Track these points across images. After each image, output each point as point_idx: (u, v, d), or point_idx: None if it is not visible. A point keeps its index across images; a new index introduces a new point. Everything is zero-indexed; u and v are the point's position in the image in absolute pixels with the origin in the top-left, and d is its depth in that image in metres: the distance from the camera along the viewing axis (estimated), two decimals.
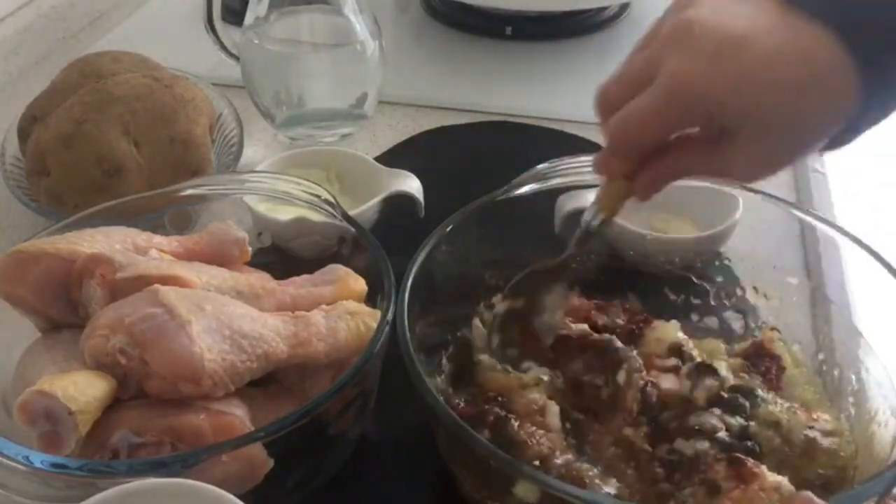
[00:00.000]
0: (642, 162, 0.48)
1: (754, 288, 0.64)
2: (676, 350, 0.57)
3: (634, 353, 0.57)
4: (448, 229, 0.59)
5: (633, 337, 0.59)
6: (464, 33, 1.08)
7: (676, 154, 0.48)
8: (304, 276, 0.58)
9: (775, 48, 0.43)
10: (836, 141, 0.46)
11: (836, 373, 0.58)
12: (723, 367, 0.56)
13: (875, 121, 0.45)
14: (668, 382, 0.55)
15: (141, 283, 0.51)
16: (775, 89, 0.43)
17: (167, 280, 0.52)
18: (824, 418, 0.54)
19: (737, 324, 0.64)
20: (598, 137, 0.86)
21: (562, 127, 0.90)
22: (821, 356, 0.59)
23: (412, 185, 0.73)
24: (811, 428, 0.53)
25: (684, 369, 0.56)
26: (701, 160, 0.48)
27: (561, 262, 0.57)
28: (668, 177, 0.49)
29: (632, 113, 0.46)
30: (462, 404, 0.54)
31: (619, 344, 0.57)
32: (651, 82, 0.45)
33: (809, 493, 0.43)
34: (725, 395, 0.54)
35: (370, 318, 0.54)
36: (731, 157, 0.46)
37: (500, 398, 0.54)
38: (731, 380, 0.55)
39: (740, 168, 0.46)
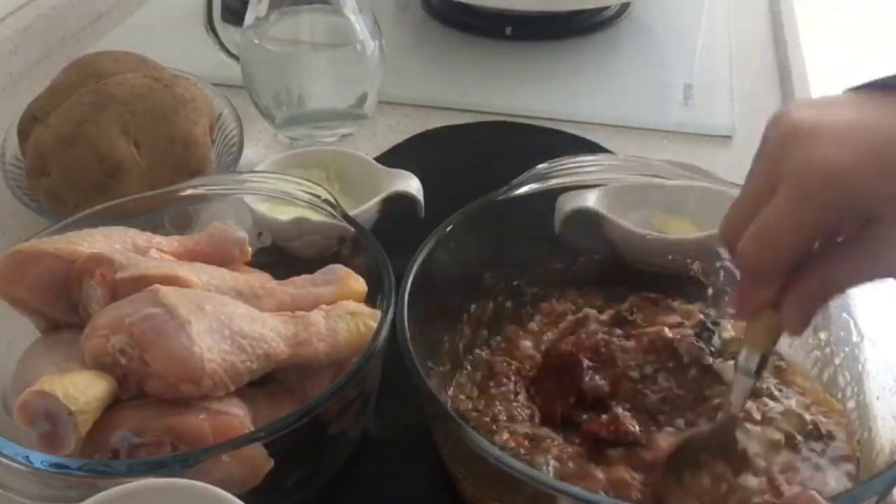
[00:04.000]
0: (785, 287, 0.44)
1: None
2: (683, 312, 0.60)
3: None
4: (448, 229, 0.59)
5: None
6: (464, 33, 1.08)
7: (822, 267, 0.43)
8: (304, 276, 0.58)
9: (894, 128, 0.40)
10: None
11: (835, 373, 0.58)
12: (727, 327, 0.58)
13: None
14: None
15: (141, 283, 0.51)
16: None
17: (167, 280, 0.52)
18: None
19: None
20: (597, 137, 0.87)
21: (562, 127, 0.90)
22: (820, 355, 0.59)
23: (412, 185, 0.73)
24: None
25: (687, 325, 0.58)
26: (852, 265, 0.42)
27: (726, 421, 0.51)
28: (817, 295, 0.44)
29: (762, 226, 0.42)
30: None
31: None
32: (774, 194, 0.42)
33: (813, 493, 0.43)
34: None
35: (370, 318, 0.54)
36: (885, 250, 0.41)
37: None
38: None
39: None
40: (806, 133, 0.41)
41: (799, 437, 0.53)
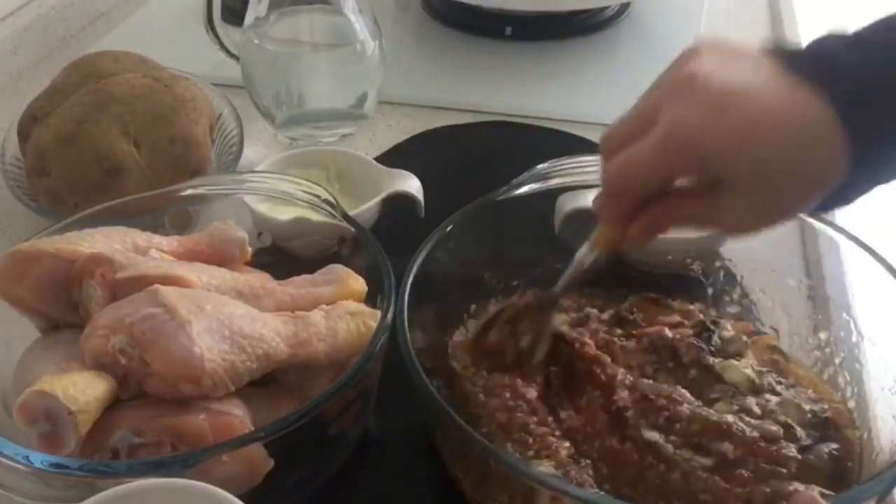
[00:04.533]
0: (639, 208, 0.49)
1: (754, 288, 0.64)
2: (683, 312, 0.61)
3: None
4: (448, 229, 0.59)
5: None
6: (464, 33, 1.08)
7: (671, 203, 0.48)
8: (304, 276, 0.58)
9: (769, 104, 0.44)
10: (832, 202, 0.47)
11: (835, 373, 0.58)
12: (727, 325, 0.58)
13: (865, 188, 0.46)
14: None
15: (141, 283, 0.51)
16: (767, 143, 0.43)
17: (167, 280, 0.52)
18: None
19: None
20: (597, 137, 0.87)
21: (562, 127, 0.90)
22: (820, 355, 0.59)
23: (412, 185, 0.73)
24: None
25: (687, 325, 0.58)
26: (694, 209, 0.48)
27: (552, 295, 0.57)
28: (660, 223, 0.50)
29: (628, 157, 0.47)
30: None
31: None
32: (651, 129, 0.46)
33: (814, 494, 0.43)
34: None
35: (370, 318, 0.54)
36: (723, 208, 0.46)
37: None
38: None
39: (731, 219, 0.47)
40: (692, 89, 0.45)
41: (797, 428, 0.53)
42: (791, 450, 0.50)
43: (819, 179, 0.45)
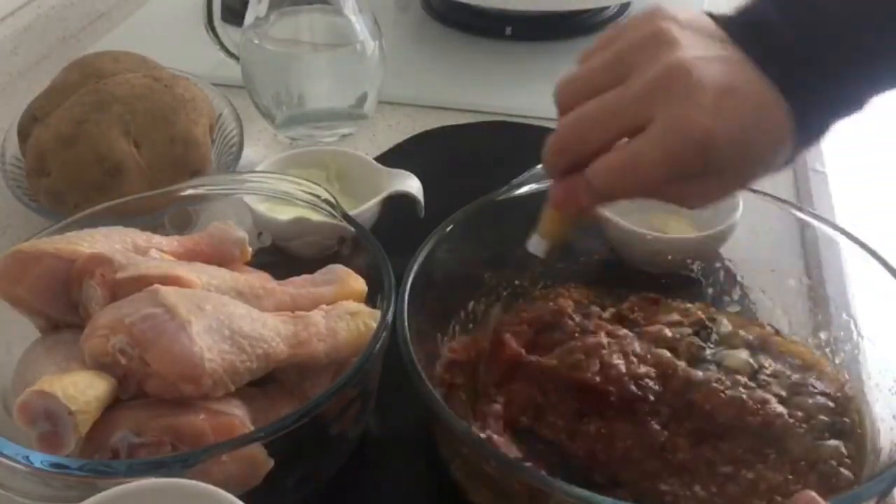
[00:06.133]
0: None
1: (754, 288, 0.64)
2: (682, 311, 0.61)
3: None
4: (448, 229, 0.59)
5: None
6: (464, 33, 1.08)
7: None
8: (304, 276, 0.58)
9: (759, 101, 0.45)
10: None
11: (835, 373, 0.58)
12: (724, 321, 0.59)
13: (811, 142, 0.47)
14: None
15: (141, 283, 0.51)
16: (765, 138, 0.45)
17: (167, 280, 0.52)
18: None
19: None
20: None
21: None
22: (820, 356, 0.59)
23: (412, 185, 0.73)
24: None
25: (686, 323, 0.59)
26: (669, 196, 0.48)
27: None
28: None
29: (628, 163, 0.45)
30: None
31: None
32: (619, 84, 0.46)
33: (813, 493, 0.43)
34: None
35: (370, 318, 0.54)
36: (694, 193, 0.47)
37: None
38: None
39: (697, 199, 0.48)
40: (689, 86, 0.43)
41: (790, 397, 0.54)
42: (778, 407, 0.52)
43: (775, 153, 0.47)
